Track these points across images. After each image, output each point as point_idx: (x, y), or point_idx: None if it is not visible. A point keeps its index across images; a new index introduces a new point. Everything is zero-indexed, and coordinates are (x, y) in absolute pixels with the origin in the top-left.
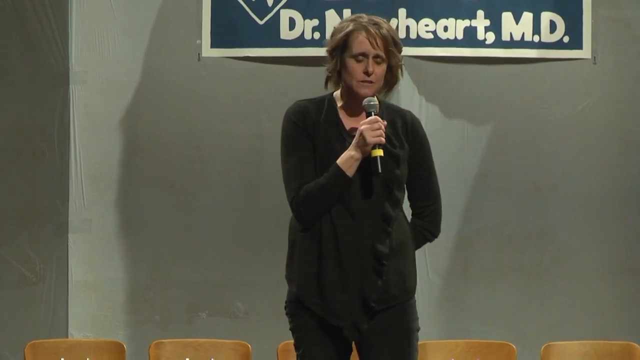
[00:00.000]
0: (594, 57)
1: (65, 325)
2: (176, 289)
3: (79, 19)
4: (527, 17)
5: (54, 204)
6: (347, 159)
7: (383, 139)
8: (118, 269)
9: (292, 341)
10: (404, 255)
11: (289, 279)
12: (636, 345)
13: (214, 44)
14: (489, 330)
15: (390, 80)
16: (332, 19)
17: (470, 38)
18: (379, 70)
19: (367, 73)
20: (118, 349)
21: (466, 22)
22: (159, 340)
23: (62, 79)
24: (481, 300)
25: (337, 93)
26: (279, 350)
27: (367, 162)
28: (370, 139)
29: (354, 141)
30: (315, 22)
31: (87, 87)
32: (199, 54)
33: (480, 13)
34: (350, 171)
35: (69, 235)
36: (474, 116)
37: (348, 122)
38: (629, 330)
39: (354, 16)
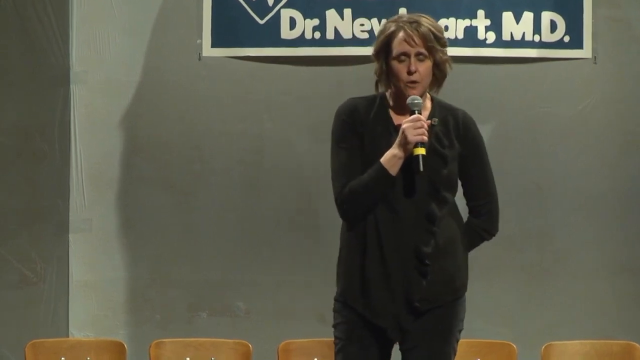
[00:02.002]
0: (595, 57)
1: (66, 324)
2: (176, 289)
3: (80, 18)
4: (528, 16)
5: (54, 204)
6: (390, 157)
7: (425, 138)
8: (118, 268)
9: (293, 340)
10: (453, 255)
11: (337, 278)
12: (637, 344)
13: (215, 44)
14: (490, 329)
15: (439, 76)
16: (332, 18)
17: (470, 38)
18: (423, 67)
19: (410, 72)
20: (118, 348)
21: (467, 22)
22: (160, 340)
23: (62, 79)
24: (482, 300)
25: (388, 92)
26: (280, 350)
27: (411, 161)
28: (412, 137)
29: (397, 140)
30: (316, 21)
31: (88, 87)
32: (199, 54)
33: (480, 13)
34: (393, 170)
35: (70, 235)
36: (474, 116)
37: (398, 120)
38: (630, 330)
39: (395, 17)
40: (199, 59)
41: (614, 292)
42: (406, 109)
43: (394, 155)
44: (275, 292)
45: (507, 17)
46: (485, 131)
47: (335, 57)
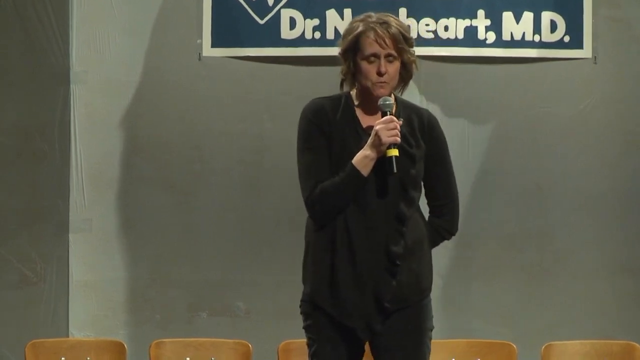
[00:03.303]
0: (595, 57)
1: (66, 324)
2: (176, 289)
3: (80, 18)
4: (528, 16)
5: (54, 204)
6: (362, 158)
7: (398, 139)
8: (118, 268)
9: (293, 340)
10: (419, 255)
11: (304, 278)
12: (637, 344)
13: (215, 44)
14: (490, 329)
15: (406, 76)
16: (332, 18)
17: (470, 38)
18: (392, 68)
19: (380, 73)
20: (118, 348)
21: (467, 22)
22: (160, 340)
23: (62, 79)
24: (482, 300)
25: (353, 91)
26: (280, 350)
27: (382, 162)
28: (386, 138)
29: (369, 141)
30: (316, 21)
31: (88, 86)
32: (199, 54)
33: (480, 13)
34: (365, 170)
35: (70, 235)
36: (474, 116)
37: (365, 120)
38: (630, 330)
39: (362, 16)
40: (199, 59)
41: (614, 292)
42: (373, 109)
43: (366, 157)
44: (275, 292)
45: (507, 17)
46: (485, 131)
47: (335, 57)
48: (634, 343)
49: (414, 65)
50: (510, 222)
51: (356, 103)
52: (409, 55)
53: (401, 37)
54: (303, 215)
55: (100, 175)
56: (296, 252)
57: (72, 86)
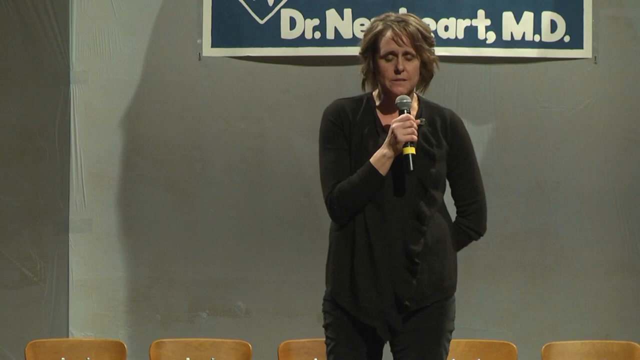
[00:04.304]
0: (595, 57)
1: (66, 324)
2: (177, 288)
3: (80, 18)
4: (528, 16)
5: (54, 203)
6: (380, 157)
7: (415, 137)
8: (119, 268)
9: (293, 340)
10: (442, 255)
11: (326, 277)
12: (637, 344)
13: (215, 44)
14: (490, 329)
15: (426, 75)
16: (332, 18)
17: (471, 37)
18: (411, 66)
19: (397, 71)
20: (119, 348)
21: (467, 22)
22: (160, 340)
23: (63, 78)
24: (482, 299)
25: (375, 92)
26: (280, 350)
27: (400, 160)
28: (402, 136)
29: (386, 139)
30: (316, 21)
31: (88, 86)
32: (199, 54)
33: (481, 12)
34: (382, 169)
35: (70, 234)
36: (475, 116)
37: (385, 120)
38: (630, 330)
39: (382, 16)
40: (199, 59)
41: (615, 291)
42: (393, 108)
43: (384, 155)
44: (276, 292)
45: (507, 17)
46: (486, 131)
47: (335, 57)
48: (634, 343)
49: (434, 64)
50: (512, 220)
51: (377, 103)
52: (429, 54)
53: (420, 35)
54: (304, 214)
55: (100, 174)
56: (297, 252)
57: (72, 86)
